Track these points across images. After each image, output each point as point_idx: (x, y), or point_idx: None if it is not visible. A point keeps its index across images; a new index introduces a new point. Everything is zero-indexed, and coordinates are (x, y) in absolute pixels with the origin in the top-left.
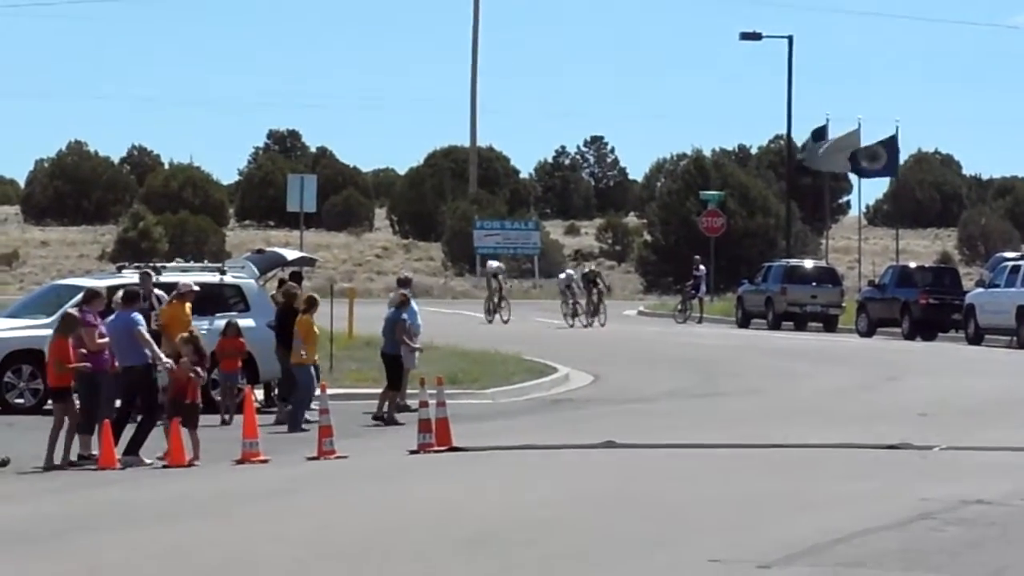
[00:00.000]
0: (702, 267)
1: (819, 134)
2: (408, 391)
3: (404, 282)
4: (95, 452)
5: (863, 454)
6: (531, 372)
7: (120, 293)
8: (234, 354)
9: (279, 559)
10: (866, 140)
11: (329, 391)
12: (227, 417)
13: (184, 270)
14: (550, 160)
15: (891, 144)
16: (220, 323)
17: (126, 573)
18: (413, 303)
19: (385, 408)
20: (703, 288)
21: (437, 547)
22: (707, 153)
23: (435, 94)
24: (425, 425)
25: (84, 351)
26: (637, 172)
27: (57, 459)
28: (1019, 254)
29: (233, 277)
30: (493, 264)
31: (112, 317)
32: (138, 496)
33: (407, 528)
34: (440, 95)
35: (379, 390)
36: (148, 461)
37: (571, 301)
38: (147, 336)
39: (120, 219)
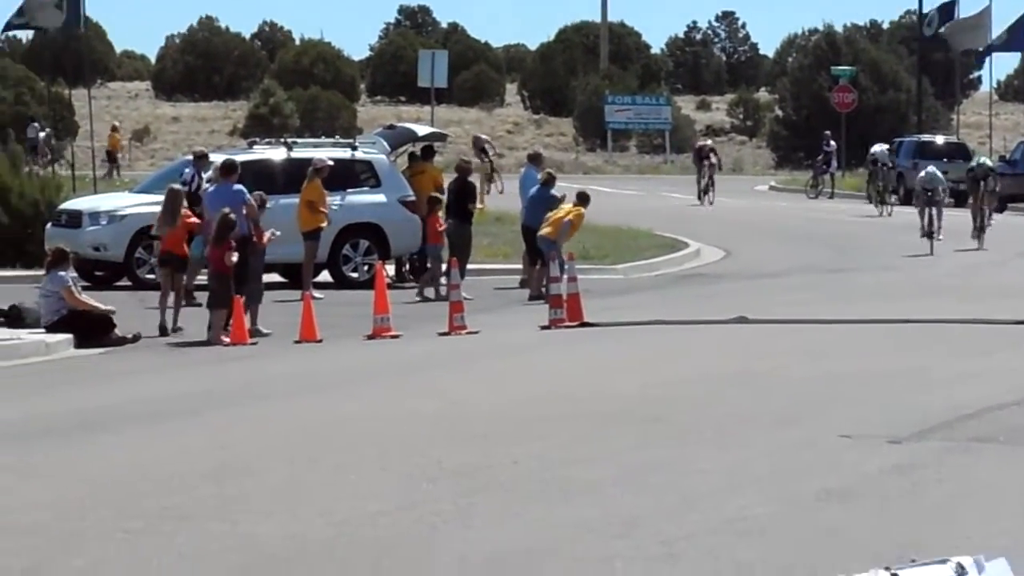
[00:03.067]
0: (833, 143)
1: (947, 11)
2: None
3: (534, 157)
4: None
5: (993, 330)
6: (662, 247)
7: (219, 163)
8: (438, 231)
9: (405, 434)
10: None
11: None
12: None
13: (316, 146)
14: (681, 35)
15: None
16: (351, 198)
17: (253, 449)
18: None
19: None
20: (834, 164)
21: (568, 424)
22: (838, 28)
23: None
24: (556, 301)
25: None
26: (768, 47)
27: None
28: None
29: (364, 153)
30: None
31: (212, 188)
32: (268, 371)
33: (537, 404)
34: None
35: (513, 265)
36: (266, 331)
37: (705, 177)
38: (255, 208)
39: (251, 95)
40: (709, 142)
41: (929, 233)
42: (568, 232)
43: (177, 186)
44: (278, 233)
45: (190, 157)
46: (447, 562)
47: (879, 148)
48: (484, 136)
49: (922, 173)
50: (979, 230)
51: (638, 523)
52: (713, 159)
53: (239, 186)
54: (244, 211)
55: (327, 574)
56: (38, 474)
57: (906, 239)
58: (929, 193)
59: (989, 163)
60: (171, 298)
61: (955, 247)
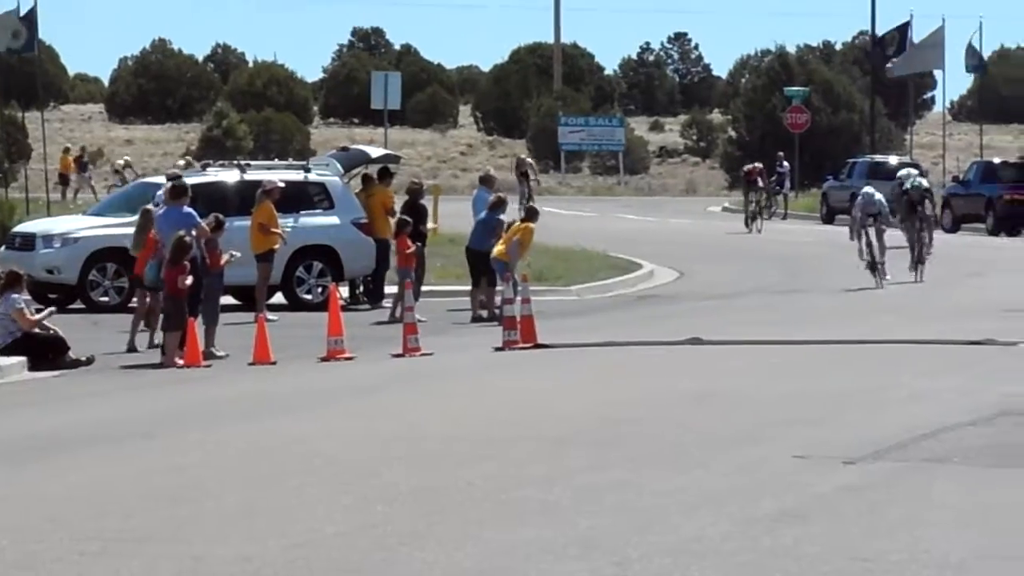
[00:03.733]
0: (786, 163)
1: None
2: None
3: (486, 179)
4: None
5: (947, 350)
6: (616, 268)
7: (167, 186)
8: (407, 254)
9: (361, 456)
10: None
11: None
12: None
13: (270, 168)
14: (634, 56)
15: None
16: (305, 220)
17: (209, 471)
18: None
19: (481, 308)
20: (787, 184)
21: (522, 445)
22: (791, 49)
23: None
24: (510, 322)
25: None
26: (721, 68)
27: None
28: None
29: (318, 175)
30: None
31: (162, 210)
32: (221, 393)
33: (492, 425)
34: None
35: (463, 287)
36: (221, 354)
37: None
38: (206, 230)
39: (204, 117)
40: (759, 165)
41: (873, 264)
42: (518, 250)
43: (151, 207)
44: (237, 255)
45: (146, 180)
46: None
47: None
48: (529, 160)
49: (859, 196)
50: (917, 262)
51: (594, 544)
52: (761, 183)
53: (189, 209)
54: (195, 233)
55: None
56: None
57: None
58: (871, 218)
59: (924, 183)
60: (139, 320)
61: (892, 279)
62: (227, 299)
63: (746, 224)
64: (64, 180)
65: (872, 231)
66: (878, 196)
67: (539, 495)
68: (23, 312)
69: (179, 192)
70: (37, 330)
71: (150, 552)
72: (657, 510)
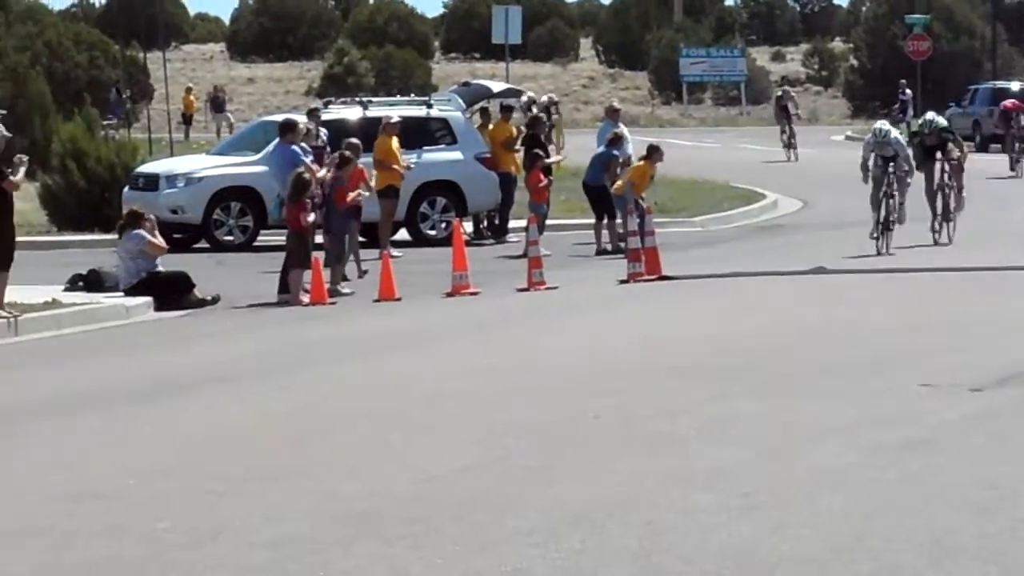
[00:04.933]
0: (908, 91)
1: None
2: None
3: (611, 111)
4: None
5: None
6: (739, 199)
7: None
8: (539, 188)
9: (487, 391)
10: None
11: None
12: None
13: (391, 104)
14: None
15: None
16: (428, 156)
17: (336, 408)
18: (626, 132)
19: (606, 240)
20: (910, 112)
21: (648, 377)
22: None
23: None
24: (635, 254)
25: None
26: None
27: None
28: None
29: (439, 110)
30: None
31: (271, 147)
32: (348, 330)
33: (617, 358)
34: None
35: (588, 220)
36: (346, 291)
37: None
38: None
39: (325, 55)
40: (779, 90)
41: (886, 224)
42: (631, 189)
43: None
44: (366, 193)
45: (267, 119)
46: (531, 517)
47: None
48: (791, 91)
49: (869, 135)
50: (941, 218)
51: (721, 475)
52: (792, 109)
53: (297, 147)
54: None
55: (412, 531)
56: (122, 439)
57: (983, 186)
58: (891, 164)
59: (942, 121)
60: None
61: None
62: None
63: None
64: (187, 120)
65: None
66: (894, 134)
67: (665, 427)
68: (152, 241)
69: (286, 129)
70: (161, 269)
71: (277, 490)
72: (783, 440)
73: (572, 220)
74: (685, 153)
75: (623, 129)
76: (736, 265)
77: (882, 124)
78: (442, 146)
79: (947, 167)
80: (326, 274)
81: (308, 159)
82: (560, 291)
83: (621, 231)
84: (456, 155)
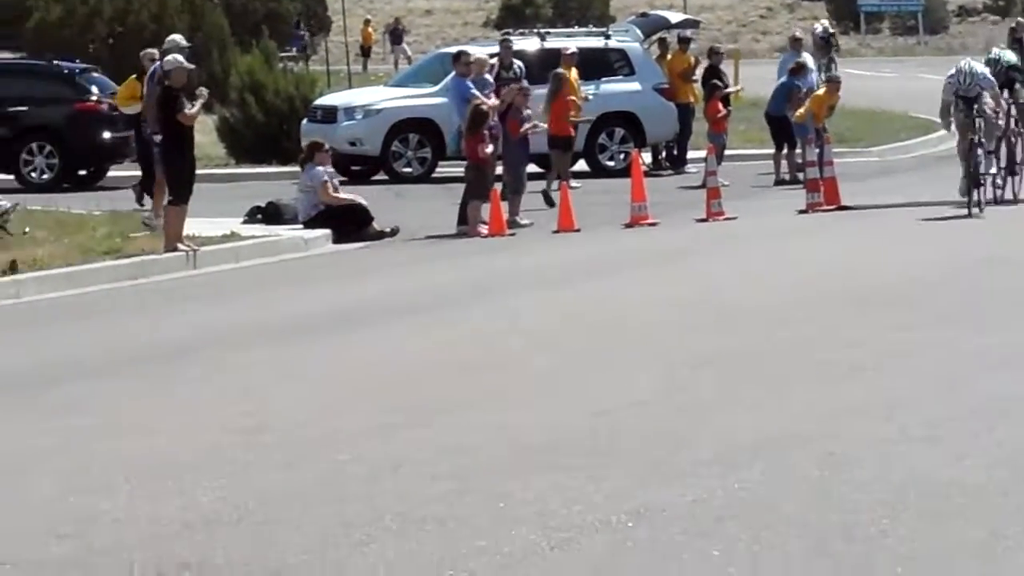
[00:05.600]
0: None
1: None
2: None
3: (795, 41)
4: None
5: None
6: (917, 129)
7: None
8: (719, 118)
9: (665, 321)
10: None
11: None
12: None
13: (569, 35)
14: None
15: None
16: (606, 87)
17: (514, 339)
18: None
19: (784, 171)
20: None
21: (828, 307)
22: None
23: None
24: (813, 184)
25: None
26: None
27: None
28: None
29: (618, 41)
30: None
31: (448, 79)
32: (526, 262)
33: (795, 288)
34: None
35: (767, 151)
36: (525, 222)
37: None
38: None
39: None
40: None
41: (976, 179)
42: (812, 120)
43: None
44: (541, 126)
45: (445, 51)
46: (711, 448)
47: None
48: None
49: (951, 74)
50: (1006, 171)
51: (902, 405)
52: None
53: (469, 81)
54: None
55: (590, 462)
56: (301, 371)
57: None
58: (971, 106)
59: (1011, 57)
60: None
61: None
62: (530, 167)
63: None
64: (366, 52)
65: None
66: (981, 69)
67: (845, 357)
68: (326, 185)
69: (457, 61)
70: (333, 202)
71: (458, 422)
72: (962, 371)
73: (751, 151)
74: (863, 83)
75: (807, 58)
76: (915, 195)
77: (967, 61)
78: (620, 77)
79: (1014, 111)
80: (505, 205)
81: (487, 91)
82: (739, 221)
83: (800, 161)
84: (634, 86)
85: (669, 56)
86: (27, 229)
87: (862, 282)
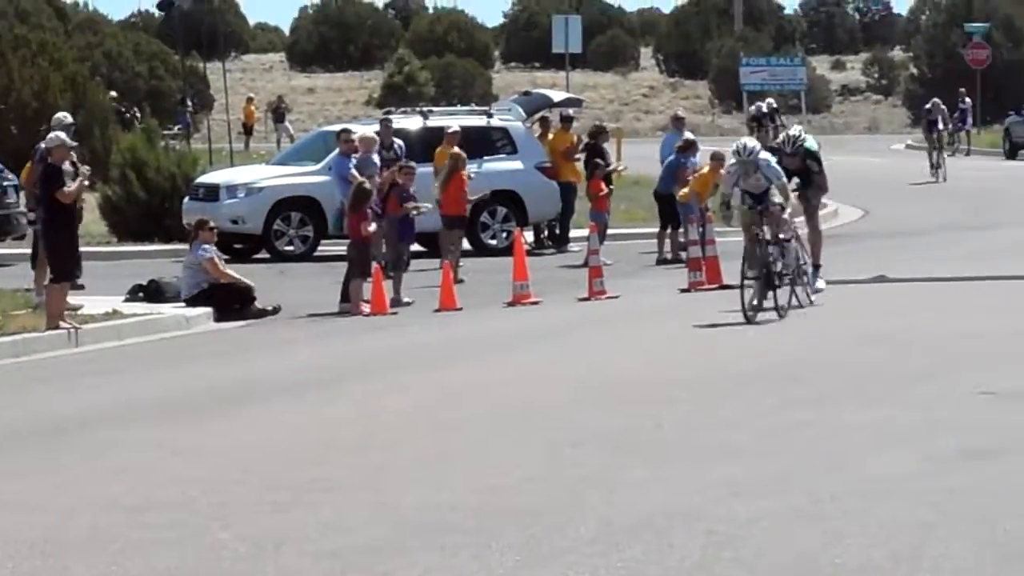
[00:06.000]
0: (968, 99)
1: None
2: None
3: (677, 120)
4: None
5: None
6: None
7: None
8: (600, 196)
9: (548, 400)
10: None
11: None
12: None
13: (452, 114)
14: None
15: None
16: (488, 165)
17: (398, 418)
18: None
19: (667, 250)
20: (969, 121)
21: (709, 386)
22: None
23: None
24: (695, 263)
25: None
26: (902, 6)
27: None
28: None
29: (500, 120)
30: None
31: (331, 157)
32: (409, 340)
33: (679, 368)
34: None
35: (649, 229)
36: (407, 300)
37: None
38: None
39: (386, 64)
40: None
41: (767, 281)
42: (696, 198)
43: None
44: (426, 207)
45: (327, 129)
46: (593, 526)
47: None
48: (941, 105)
49: (730, 160)
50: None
51: (785, 482)
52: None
53: (352, 158)
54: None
55: (474, 542)
56: (184, 448)
57: None
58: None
59: (812, 143)
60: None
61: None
62: (413, 246)
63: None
64: (248, 130)
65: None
66: (763, 155)
67: (727, 436)
68: (214, 261)
69: (340, 139)
70: (224, 280)
71: (341, 500)
72: (844, 449)
73: (634, 229)
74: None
75: (691, 136)
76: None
77: (746, 141)
78: (503, 155)
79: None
80: (388, 284)
81: (371, 170)
82: (621, 300)
83: (683, 240)
84: (517, 164)
85: (551, 135)
86: None
87: (742, 361)
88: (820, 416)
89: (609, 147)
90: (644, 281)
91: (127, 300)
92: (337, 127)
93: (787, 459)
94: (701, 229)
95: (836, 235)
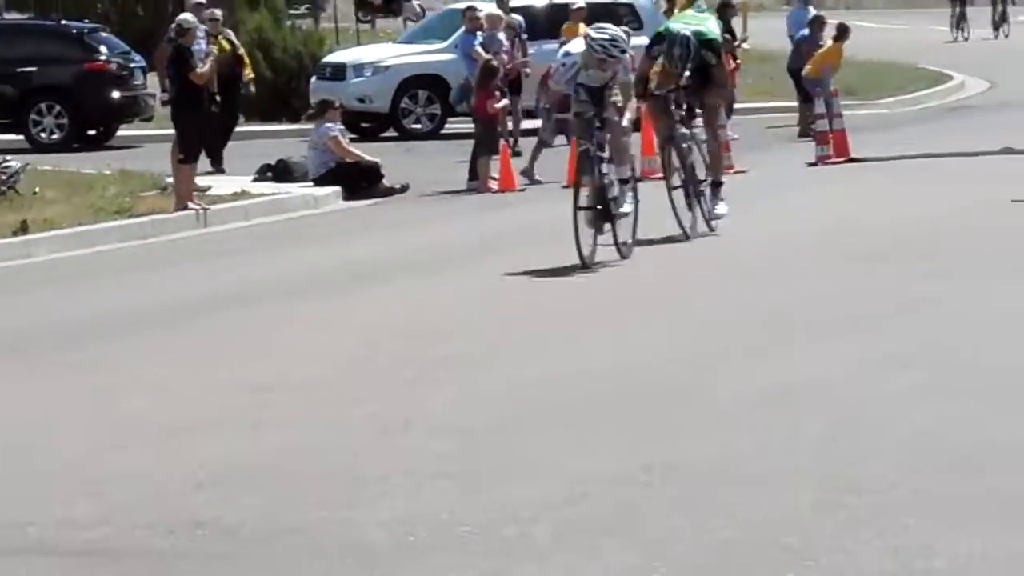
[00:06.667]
0: None
1: None
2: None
3: None
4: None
5: None
6: (927, 81)
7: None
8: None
9: (684, 275)
10: None
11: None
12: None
13: None
14: None
15: None
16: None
17: (525, 296)
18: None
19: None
20: None
21: (835, 261)
22: None
23: None
24: (823, 137)
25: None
26: None
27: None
28: None
29: None
30: None
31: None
32: (536, 217)
33: (805, 240)
34: None
35: (775, 103)
36: (538, 178)
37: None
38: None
39: None
40: None
41: (605, 213)
42: (829, 71)
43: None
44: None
45: (455, 7)
46: (728, 394)
47: None
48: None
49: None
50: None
51: (909, 361)
52: None
53: (477, 35)
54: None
55: (609, 418)
56: (312, 328)
57: None
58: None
59: (711, 30)
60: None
61: None
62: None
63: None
64: (375, 9)
65: None
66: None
67: (857, 310)
68: (338, 140)
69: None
70: (349, 159)
71: (466, 375)
72: (969, 325)
73: (760, 103)
74: (871, 35)
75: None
76: (924, 146)
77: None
78: (628, 31)
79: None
80: (516, 160)
81: (495, 48)
82: (749, 175)
83: (810, 114)
84: (643, 40)
85: (677, 10)
86: (37, 189)
87: (872, 233)
88: (947, 290)
89: (736, 22)
90: (772, 155)
91: (255, 180)
92: (463, 5)
93: (914, 333)
94: (827, 102)
95: (962, 107)
